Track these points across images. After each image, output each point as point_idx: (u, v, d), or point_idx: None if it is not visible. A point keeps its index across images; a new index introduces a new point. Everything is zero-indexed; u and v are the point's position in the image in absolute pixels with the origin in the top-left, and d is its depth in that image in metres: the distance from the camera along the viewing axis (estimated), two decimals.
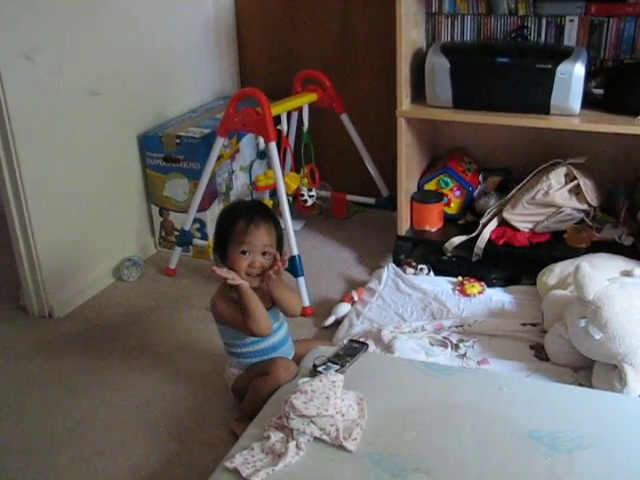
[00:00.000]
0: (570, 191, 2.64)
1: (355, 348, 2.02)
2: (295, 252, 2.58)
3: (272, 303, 2.00)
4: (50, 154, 2.54)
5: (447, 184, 2.89)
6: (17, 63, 2.35)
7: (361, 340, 2.16)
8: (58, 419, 2.09)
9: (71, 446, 1.98)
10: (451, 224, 2.88)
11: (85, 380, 2.27)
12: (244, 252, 1.94)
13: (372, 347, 2.18)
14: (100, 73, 2.71)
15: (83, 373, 2.30)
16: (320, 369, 1.89)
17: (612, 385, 1.92)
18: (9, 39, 2.32)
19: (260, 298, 1.93)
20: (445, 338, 2.27)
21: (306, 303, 2.56)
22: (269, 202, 2.93)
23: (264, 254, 1.96)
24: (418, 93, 2.72)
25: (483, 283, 2.58)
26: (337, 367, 1.90)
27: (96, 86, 2.69)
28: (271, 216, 2.03)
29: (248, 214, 1.97)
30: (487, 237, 2.69)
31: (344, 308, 2.52)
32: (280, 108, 2.81)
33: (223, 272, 1.90)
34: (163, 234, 3.10)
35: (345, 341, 2.12)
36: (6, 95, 2.33)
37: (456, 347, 2.23)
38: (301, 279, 2.58)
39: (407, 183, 2.80)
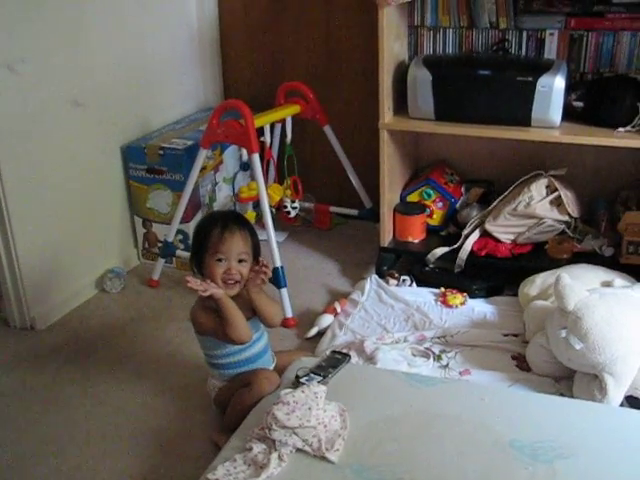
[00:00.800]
0: (551, 202, 2.66)
1: (337, 359, 2.02)
2: (278, 263, 2.58)
3: (252, 313, 2.00)
4: (32, 165, 2.53)
5: (429, 196, 2.90)
6: None
7: (343, 351, 2.15)
8: (39, 431, 2.08)
9: (51, 459, 1.96)
10: (433, 235, 2.90)
11: (66, 392, 2.25)
12: (220, 260, 1.95)
13: (354, 358, 2.18)
14: (83, 84, 2.70)
15: (64, 385, 2.29)
16: (302, 380, 1.88)
17: (593, 395, 1.93)
18: None
19: (240, 308, 1.93)
20: (427, 349, 2.28)
21: (289, 314, 2.56)
22: (252, 214, 2.93)
23: (240, 261, 1.96)
24: (400, 105, 2.74)
25: (465, 294, 2.59)
26: (319, 378, 1.89)
27: (79, 97, 2.69)
28: (246, 224, 2.03)
29: (223, 222, 1.97)
30: (469, 248, 2.70)
31: (327, 319, 2.52)
32: (263, 120, 2.81)
33: (196, 284, 1.89)
34: (146, 245, 3.09)
35: (328, 352, 2.12)
36: None
37: (438, 358, 2.24)
38: (284, 290, 2.57)
39: (390, 195, 2.81)
